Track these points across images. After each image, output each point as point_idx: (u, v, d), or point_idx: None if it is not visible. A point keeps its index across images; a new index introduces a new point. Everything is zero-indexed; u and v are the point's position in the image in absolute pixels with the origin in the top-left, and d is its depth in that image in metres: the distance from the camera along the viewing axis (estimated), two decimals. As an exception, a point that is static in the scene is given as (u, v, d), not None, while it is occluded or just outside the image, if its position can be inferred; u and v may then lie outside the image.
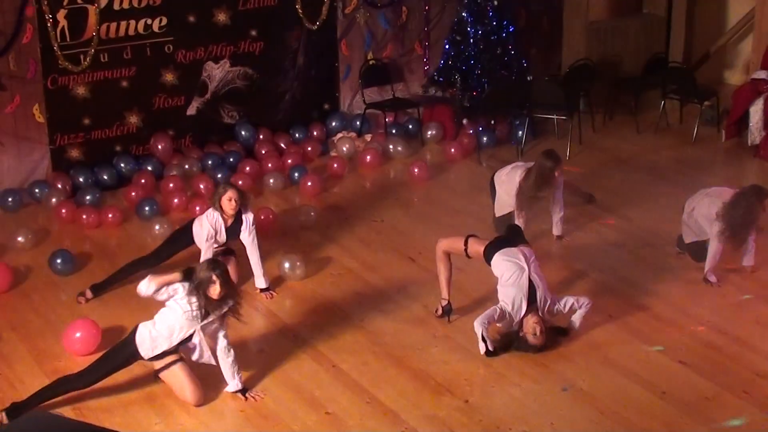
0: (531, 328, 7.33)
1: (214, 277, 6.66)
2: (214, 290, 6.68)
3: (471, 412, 6.81)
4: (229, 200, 8.23)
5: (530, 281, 7.40)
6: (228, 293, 6.82)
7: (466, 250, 7.82)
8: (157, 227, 9.55)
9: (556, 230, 9.41)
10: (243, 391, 6.96)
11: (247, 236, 8.36)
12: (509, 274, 7.43)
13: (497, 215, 9.42)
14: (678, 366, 7.33)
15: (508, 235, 7.94)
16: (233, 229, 8.36)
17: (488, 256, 7.64)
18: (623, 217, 9.94)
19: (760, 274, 8.63)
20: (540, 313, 7.41)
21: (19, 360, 7.49)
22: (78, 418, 6.46)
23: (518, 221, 9.02)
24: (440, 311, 8.04)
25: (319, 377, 7.26)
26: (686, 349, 7.56)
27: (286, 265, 8.72)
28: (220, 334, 6.90)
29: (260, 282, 8.47)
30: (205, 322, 6.80)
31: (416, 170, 11.07)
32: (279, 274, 8.73)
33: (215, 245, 8.36)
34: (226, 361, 6.93)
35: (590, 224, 9.78)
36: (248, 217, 8.38)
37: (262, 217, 9.45)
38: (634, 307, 8.21)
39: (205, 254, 8.22)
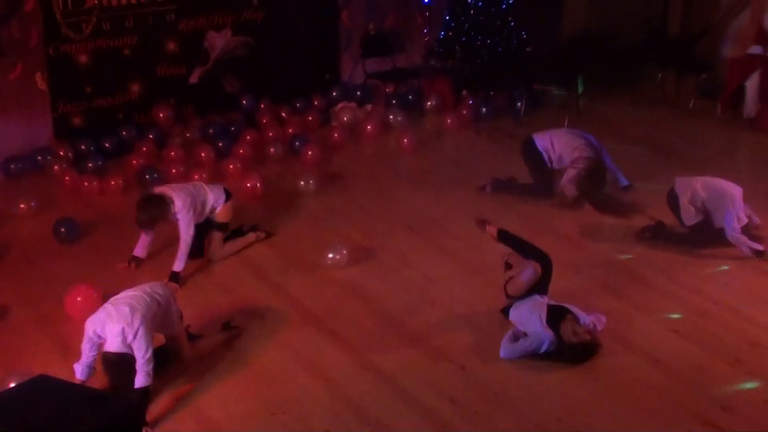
0: (570, 329, 6.98)
1: None
2: None
3: (468, 378, 6.85)
4: None
5: (552, 305, 7.22)
6: None
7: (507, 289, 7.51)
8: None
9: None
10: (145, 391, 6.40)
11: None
12: (528, 306, 7.25)
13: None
14: (671, 335, 7.36)
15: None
16: None
17: (506, 311, 7.46)
18: (619, 189, 9.94)
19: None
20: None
21: (23, 325, 7.53)
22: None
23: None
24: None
25: (318, 344, 7.29)
26: (679, 318, 7.60)
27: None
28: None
29: (177, 265, 8.14)
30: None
31: (405, 141, 11.10)
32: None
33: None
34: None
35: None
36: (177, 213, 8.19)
37: (249, 185, 9.59)
38: (628, 276, 8.25)
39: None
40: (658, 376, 6.89)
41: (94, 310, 7.43)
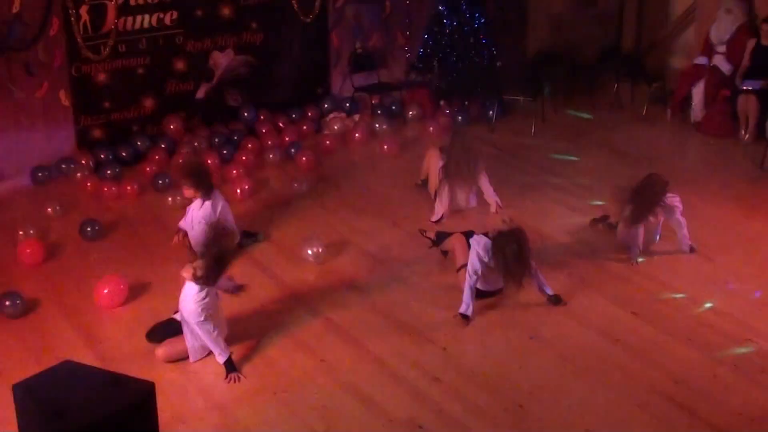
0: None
1: None
2: None
3: (448, 358, 6.81)
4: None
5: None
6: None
7: (458, 269, 7.66)
8: (169, 199, 9.49)
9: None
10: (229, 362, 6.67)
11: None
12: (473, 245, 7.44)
13: None
14: (630, 316, 7.33)
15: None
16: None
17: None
18: (579, 185, 9.91)
19: (697, 236, 8.54)
20: None
21: (51, 316, 7.45)
22: (102, 367, 6.43)
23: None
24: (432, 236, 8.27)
25: (314, 330, 7.23)
26: (637, 301, 7.57)
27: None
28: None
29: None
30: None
31: (385, 146, 11.04)
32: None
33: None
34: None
35: (551, 192, 9.75)
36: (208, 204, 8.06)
37: (239, 191, 9.58)
38: (590, 265, 8.21)
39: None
40: (618, 353, 6.86)
41: (121, 299, 7.45)
